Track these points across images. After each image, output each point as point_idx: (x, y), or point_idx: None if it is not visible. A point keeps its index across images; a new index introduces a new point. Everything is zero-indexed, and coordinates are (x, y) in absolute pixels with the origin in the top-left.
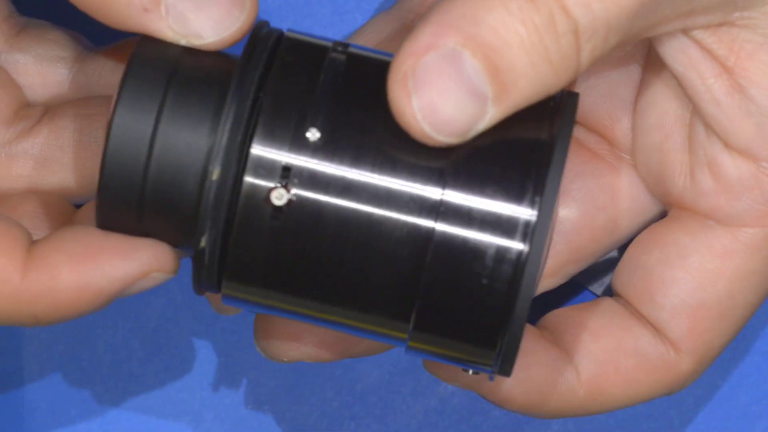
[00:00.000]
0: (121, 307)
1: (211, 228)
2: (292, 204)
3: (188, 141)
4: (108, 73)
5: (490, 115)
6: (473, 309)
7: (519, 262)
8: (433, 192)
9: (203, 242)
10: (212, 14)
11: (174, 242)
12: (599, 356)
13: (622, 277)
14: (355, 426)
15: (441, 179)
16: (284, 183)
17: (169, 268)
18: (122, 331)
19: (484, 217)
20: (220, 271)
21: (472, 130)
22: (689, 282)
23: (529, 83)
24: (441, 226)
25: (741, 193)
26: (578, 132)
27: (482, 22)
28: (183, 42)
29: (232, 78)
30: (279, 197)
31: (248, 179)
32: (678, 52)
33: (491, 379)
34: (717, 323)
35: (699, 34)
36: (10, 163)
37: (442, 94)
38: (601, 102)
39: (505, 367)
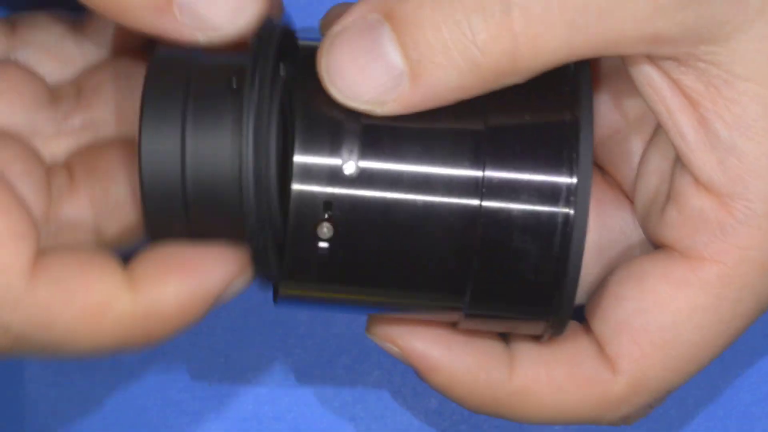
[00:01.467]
0: None
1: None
2: (338, 233)
3: (216, 148)
4: (109, 27)
5: (409, 91)
6: (526, 280)
7: (567, 225)
8: (475, 173)
9: (263, 240)
10: (225, 4)
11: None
12: (535, 356)
13: (588, 294)
14: (355, 426)
15: (479, 162)
16: (327, 215)
17: (249, 271)
18: None
19: (527, 189)
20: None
21: (386, 102)
22: (638, 302)
23: (449, 60)
24: (487, 203)
25: (701, 227)
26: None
27: (409, 0)
28: (200, 37)
29: (248, 84)
30: (324, 232)
31: (292, 220)
32: (646, 86)
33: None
34: (658, 351)
35: (667, 64)
36: (67, 139)
37: (352, 57)
38: (615, 157)
39: (557, 329)
